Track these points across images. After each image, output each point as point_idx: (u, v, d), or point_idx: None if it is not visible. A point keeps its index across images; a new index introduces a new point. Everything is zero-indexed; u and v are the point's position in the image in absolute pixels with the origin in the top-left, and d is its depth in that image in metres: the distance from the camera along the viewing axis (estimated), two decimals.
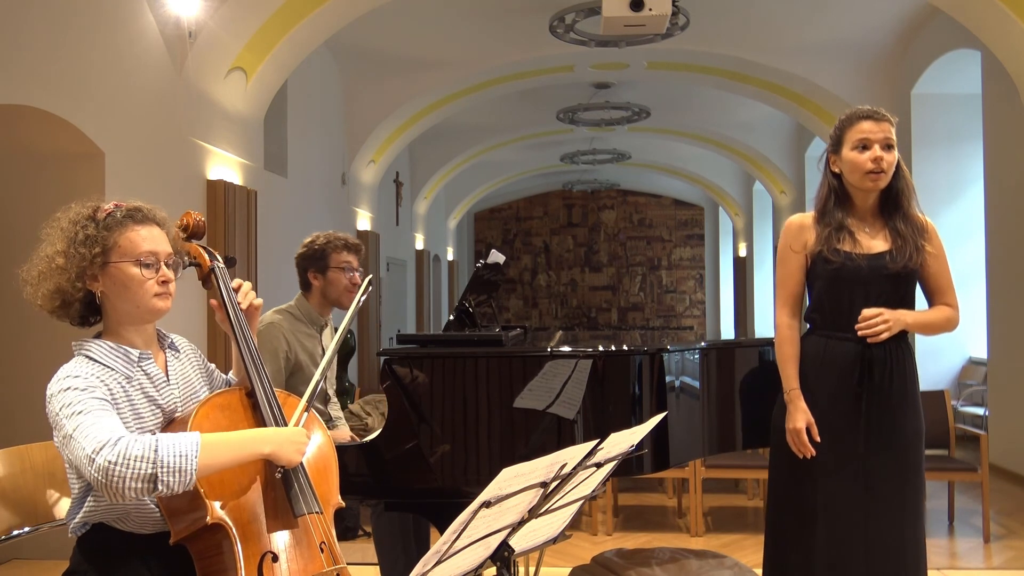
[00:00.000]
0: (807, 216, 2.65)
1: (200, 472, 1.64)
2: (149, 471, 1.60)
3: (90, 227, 1.81)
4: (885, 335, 2.45)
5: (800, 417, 2.53)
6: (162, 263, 1.86)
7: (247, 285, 2.08)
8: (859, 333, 2.48)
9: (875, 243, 2.55)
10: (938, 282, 2.59)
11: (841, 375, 2.53)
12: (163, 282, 1.85)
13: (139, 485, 1.60)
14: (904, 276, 2.52)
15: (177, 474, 1.61)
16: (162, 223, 1.91)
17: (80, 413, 1.67)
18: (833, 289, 2.56)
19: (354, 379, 9.09)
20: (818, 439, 2.52)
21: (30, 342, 4.39)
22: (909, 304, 2.57)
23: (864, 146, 2.50)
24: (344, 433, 3.16)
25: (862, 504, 2.49)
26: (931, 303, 2.62)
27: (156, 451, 1.61)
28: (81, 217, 1.84)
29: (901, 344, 2.55)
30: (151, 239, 1.86)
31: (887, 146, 2.50)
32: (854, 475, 2.50)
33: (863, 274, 2.51)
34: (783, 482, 2.62)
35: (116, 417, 1.71)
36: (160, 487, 1.61)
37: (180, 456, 1.62)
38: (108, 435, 1.62)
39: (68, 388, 1.71)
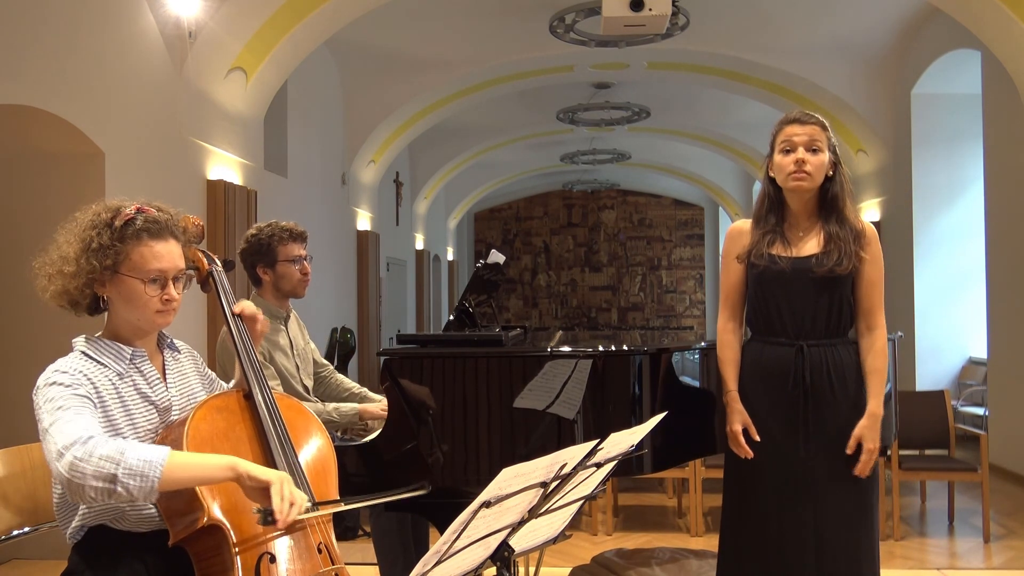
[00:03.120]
0: (746, 222, 2.67)
1: (163, 482, 1.61)
2: (112, 471, 1.58)
3: (105, 235, 1.81)
4: (876, 449, 2.47)
5: (736, 419, 2.56)
6: (170, 280, 1.86)
7: (249, 307, 2.10)
8: (865, 472, 2.49)
9: (806, 247, 2.55)
10: (870, 292, 2.55)
11: (778, 380, 2.54)
12: (166, 300, 1.86)
13: (99, 484, 1.58)
14: (831, 281, 2.50)
15: (139, 478, 1.60)
16: (180, 233, 1.92)
17: (60, 408, 1.68)
18: (762, 294, 2.58)
19: (354, 379, 9.10)
20: (756, 438, 2.53)
21: (33, 342, 4.39)
22: (843, 311, 2.54)
23: (788, 149, 2.51)
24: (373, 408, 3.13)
25: (809, 506, 2.49)
26: (859, 321, 2.57)
27: (123, 453, 1.60)
28: (100, 222, 1.83)
29: (839, 347, 2.53)
30: (163, 256, 1.85)
31: (813, 149, 2.49)
32: (798, 476, 2.51)
33: (787, 276, 2.51)
34: (735, 483, 2.64)
35: (95, 417, 1.71)
36: (119, 488, 1.59)
37: (145, 462, 1.60)
38: (81, 432, 1.63)
39: (53, 383, 1.73)
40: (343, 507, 1.84)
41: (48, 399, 1.70)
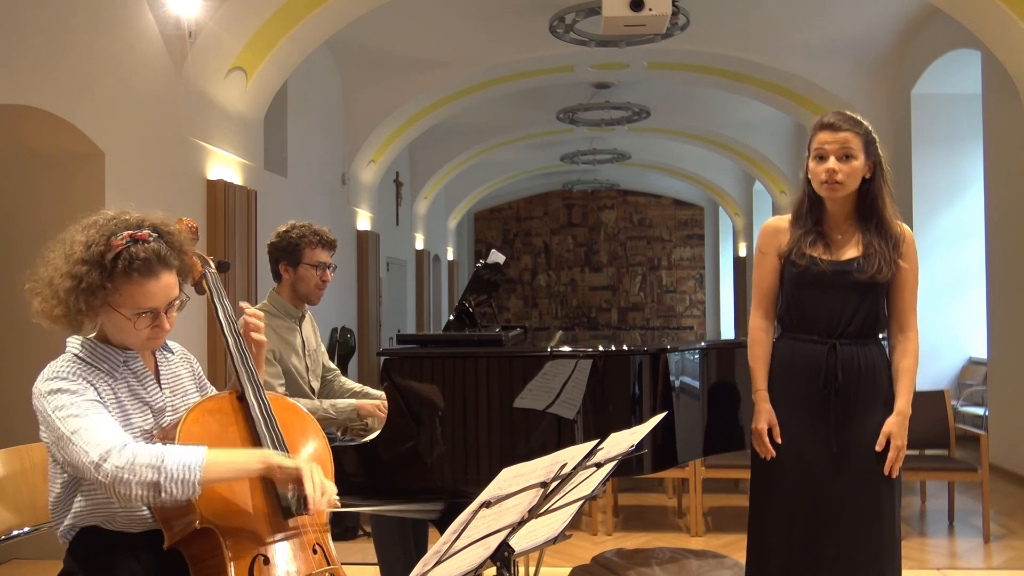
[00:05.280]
0: (783, 219, 2.65)
1: (203, 482, 1.67)
2: (154, 479, 1.63)
3: (94, 274, 1.75)
4: (904, 448, 2.48)
5: (763, 418, 2.57)
6: (161, 312, 1.82)
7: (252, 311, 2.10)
8: (893, 472, 2.49)
9: (846, 250, 2.54)
10: (905, 295, 2.55)
11: (808, 378, 2.54)
12: (155, 328, 1.83)
13: (144, 492, 1.63)
14: (871, 286, 2.50)
15: (181, 484, 1.64)
16: (175, 258, 1.84)
17: (76, 417, 1.68)
18: (799, 292, 2.57)
19: (354, 379, 9.09)
20: (779, 440, 2.54)
21: (30, 342, 4.38)
22: (879, 314, 2.55)
23: (820, 156, 2.49)
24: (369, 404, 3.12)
25: (834, 505, 2.50)
26: (891, 322, 2.59)
27: (163, 460, 1.64)
28: (91, 257, 1.75)
29: (871, 346, 2.54)
30: (154, 295, 1.80)
31: (844, 156, 2.47)
32: (826, 477, 2.51)
33: (827, 278, 2.51)
34: (761, 482, 2.64)
35: (112, 418, 1.74)
36: (164, 495, 1.64)
37: (185, 466, 1.65)
38: (114, 441, 1.66)
39: (58, 390, 1.72)
40: (363, 508, 1.86)
41: (57, 407, 1.70)
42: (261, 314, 2.11)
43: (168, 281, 1.82)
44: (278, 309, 3.12)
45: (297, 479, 1.74)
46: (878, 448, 2.47)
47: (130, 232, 1.78)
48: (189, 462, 1.65)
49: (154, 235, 1.81)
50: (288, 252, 3.10)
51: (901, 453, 2.47)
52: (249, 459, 1.74)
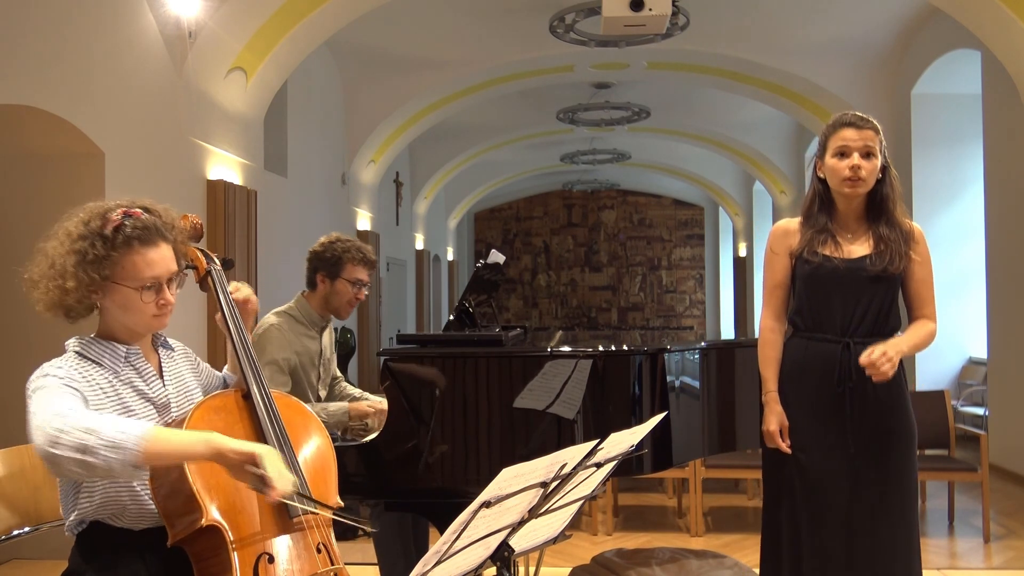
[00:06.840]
0: (793, 221, 2.67)
1: (143, 456, 1.59)
2: (88, 441, 1.57)
3: (98, 245, 1.79)
4: (890, 368, 2.37)
5: (773, 420, 2.57)
6: (164, 285, 1.86)
7: (244, 288, 2.11)
8: (874, 378, 2.40)
9: (856, 248, 2.55)
10: (919, 290, 2.57)
11: (822, 377, 2.54)
12: (162, 304, 1.86)
13: (77, 456, 1.57)
14: (884, 280, 2.51)
15: (116, 450, 1.58)
16: (170, 232, 1.90)
17: (49, 395, 1.69)
18: (812, 290, 2.57)
19: (354, 379, 9.10)
20: (788, 441, 2.54)
21: (30, 341, 4.38)
22: (892, 310, 2.55)
23: (843, 153, 2.51)
24: (364, 408, 3.13)
25: (849, 507, 2.49)
26: (911, 314, 2.60)
27: (101, 424, 1.60)
28: (91, 232, 1.81)
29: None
30: (156, 263, 1.84)
31: (867, 154, 2.50)
32: (841, 477, 2.50)
33: (840, 274, 2.51)
34: (775, 483, 2.63)
35: (81, 402, 1.72)
36: (97, 460, 1.57)
37: (122, 433, 1.59)
38: (60, 407, 1.64)
39: (47, 375, 1.75)
40: (327, 512, 1.82)
41: (39, 388, 1.72)
42: (247, 288, 2.13)
43: (166, 252, 1.87)
44: (303, 316, 3.14)
45: (252, 461, 1.65)
46: (861, 361, 2.39)
47: (124, 209, 1.86)
48: (127, 429, 1.60)
49: (145, 212, 1.88)
50: (329, 264, 3.11)
51: (885, 359, 2.35)
52: (194, 440, 1.65)
